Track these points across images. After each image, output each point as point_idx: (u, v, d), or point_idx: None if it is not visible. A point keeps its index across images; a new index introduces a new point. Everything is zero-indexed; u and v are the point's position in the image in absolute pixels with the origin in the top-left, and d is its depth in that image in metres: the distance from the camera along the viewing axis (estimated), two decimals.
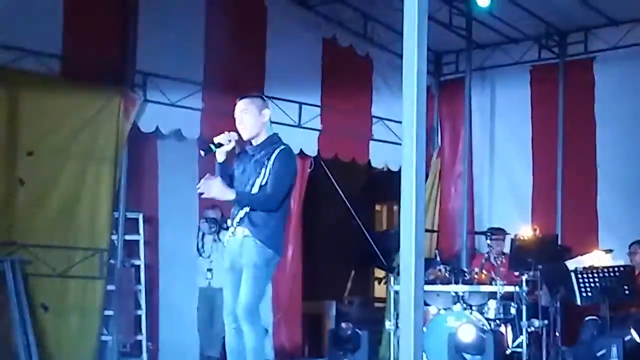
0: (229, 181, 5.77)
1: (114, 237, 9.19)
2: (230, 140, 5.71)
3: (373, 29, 11.07)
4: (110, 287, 9.10)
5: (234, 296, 5.62)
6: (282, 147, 5.77)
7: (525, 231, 9.32)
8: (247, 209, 5.62)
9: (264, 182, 5.65)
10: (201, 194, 5.73)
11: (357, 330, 8.60)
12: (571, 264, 8.40)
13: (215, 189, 5.63)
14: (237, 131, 5.82)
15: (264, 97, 6.03)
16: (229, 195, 5.64)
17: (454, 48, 11.35)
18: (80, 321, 8.83)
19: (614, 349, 7.87)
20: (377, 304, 13.55)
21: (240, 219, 5.65)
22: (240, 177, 5.78)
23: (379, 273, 13.83)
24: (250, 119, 5.77)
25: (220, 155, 5.76)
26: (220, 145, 5.72)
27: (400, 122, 10.91)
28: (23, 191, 8.54)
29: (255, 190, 5.65)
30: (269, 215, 5.63)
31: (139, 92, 9.28)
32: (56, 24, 8.72)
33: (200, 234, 9.31)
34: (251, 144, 5.83)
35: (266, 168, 5.66)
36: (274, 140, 5.81)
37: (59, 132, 8.81)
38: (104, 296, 9.00)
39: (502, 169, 11.14)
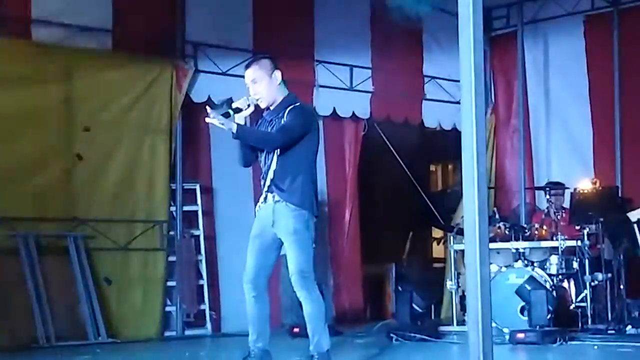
0: (250, 149, 5.54)
1: (172, 208, 9.28)
2: (249, 105, 5.46)
3: None
4: (172, 259, 9.22)
5: (255, 264, 5.47)
6: (296, 104, 5.48)
7: (585, 184, 9.20)
8: (271, 176, 5.42)
9: None
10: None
11: (415, 291, 8.59)
12: (634, 216, 8.26)
13: (214, 119, 5.32)
14: None
15: (271, 56, 5.55)
16: (232, 126, 5.31)
17: (505, 2, 11.16)
18: (144, 293, 8.97)
19: None
20: (435, 265, 13.51)
21: (268, 186, 5.44)
22: None
23: (437, 233, 13.78)
24: (263, 88, 5.44)
25: (240, 121, 5.47)
26: (238, 110, 5.44)
27: (452, 81, 10.92)
28: (81, 167, 8.65)
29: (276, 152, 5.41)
30: (294, 177, 5.39)
31: (190, 63, 9.34)
32: None
33: None
34: (269, 109, 5.55)
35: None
36: (289, 101, 5.47)
37: (113, 106, 8.90)
38: (165, 267, 9.12)
39: (559, 122, 10.96)
